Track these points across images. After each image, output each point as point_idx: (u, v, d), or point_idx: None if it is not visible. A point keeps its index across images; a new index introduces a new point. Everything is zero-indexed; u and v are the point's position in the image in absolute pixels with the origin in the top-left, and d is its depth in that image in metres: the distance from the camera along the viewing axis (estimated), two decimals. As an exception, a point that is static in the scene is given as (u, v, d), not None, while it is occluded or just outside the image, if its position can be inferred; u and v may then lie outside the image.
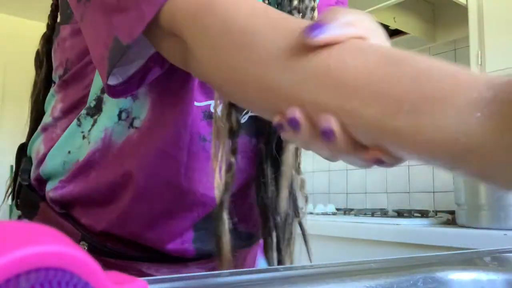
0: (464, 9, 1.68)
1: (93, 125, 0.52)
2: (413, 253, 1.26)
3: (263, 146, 0.55)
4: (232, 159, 0.48)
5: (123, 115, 0.51)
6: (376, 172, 2.17)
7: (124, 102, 0.51)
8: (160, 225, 0.52)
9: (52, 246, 0.15)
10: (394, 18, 1.80)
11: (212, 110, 0.52)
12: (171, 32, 0.39)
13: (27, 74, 0.64)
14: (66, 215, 0.54)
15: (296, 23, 0.32)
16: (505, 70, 1.59)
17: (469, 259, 0.48)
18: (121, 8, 0.40)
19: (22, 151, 0.62)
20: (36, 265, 0.15)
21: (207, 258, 0.56)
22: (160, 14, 0.38)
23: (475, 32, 1.65)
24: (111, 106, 0.51)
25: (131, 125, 0.51)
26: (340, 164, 2.35)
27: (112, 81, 0.43)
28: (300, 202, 0.57)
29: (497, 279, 0.38)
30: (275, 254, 0.56)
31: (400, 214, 1.68)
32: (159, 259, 0.54)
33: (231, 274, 0.37)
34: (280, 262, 0.56)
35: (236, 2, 0.36)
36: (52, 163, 0.54)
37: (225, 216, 0.48)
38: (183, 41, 0.38)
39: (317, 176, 2.44)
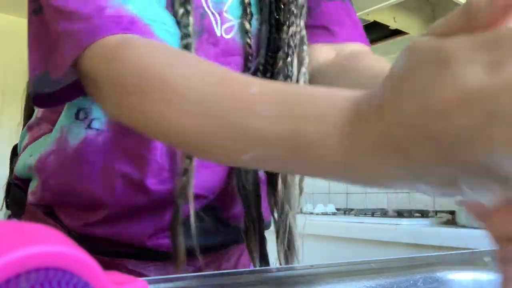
0: (464, 9, 1.68)
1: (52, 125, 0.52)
2: (413, 253, 1.26)
3: None
4: (189, 164, 0.46)
5: (81, 115, 0.50)
6: (376, 172, 2.17)
7: (83, 101, 0.49)
8: (142, 222, 0.51)
9: (52, 246, 0.15)
10: (394, 18, 1.80)
11: None
12: (90, 77, 0.39)
13: (27, 74, 0.64)
14: (50, 213, 0.53)
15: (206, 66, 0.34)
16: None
17: (469, 259, 0.47)
18: (53, 41, 0.41)
19: (14, 151, 0.62)
20: (36, 265, 0.15)
21: (194, 255, 0.55)
22: (80, 59, 0.38)
23: (475, 32, 1.65)
24: (71, 104, 0.50)
25: (88, 126, 0.49)
26: (340, 164, 2.35)
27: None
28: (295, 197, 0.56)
29: (497, 279, 0.38)
30: (258, 249, 0.54)
31: (400, 214, 1.68)
32: (145, 256, 0.53)
33: (231, 274, 0.37)
34: (264, 258, 0.55)
35: (149, 51, 0.36)
36: (19, 164, 0.55)
37: (180, 218, 0.47)
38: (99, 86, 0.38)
39: (317, 176, 2.44)
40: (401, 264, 0.42)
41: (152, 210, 0.51)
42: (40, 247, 0.15)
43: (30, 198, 0.54)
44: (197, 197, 0.51)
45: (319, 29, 0.57)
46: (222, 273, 0.37)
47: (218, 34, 0.51)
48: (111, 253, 0.52)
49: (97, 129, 0.49)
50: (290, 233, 0.55)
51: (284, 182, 0.53)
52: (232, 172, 0.54)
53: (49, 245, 0.15)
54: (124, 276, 0.21)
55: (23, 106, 0.63)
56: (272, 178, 0.54)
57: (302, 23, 0.54)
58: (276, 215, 0.54)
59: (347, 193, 2.29)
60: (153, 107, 0.33)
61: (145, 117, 0.34)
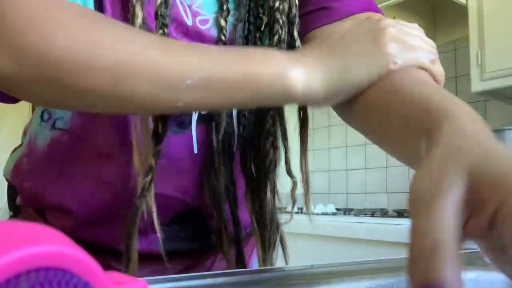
0: (464, 9, 1.68)
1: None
2: (413, 253, 1.25)
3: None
4: (153, 163, 0.45)
5: (45, 116, 0.49)
6: (376, 172, 2.17)
7: None
8: (117, 226, 0.49)
9: (52, 246, 0.15)
10: (394, 18, 1.80)
11: None
12: None
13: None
14: (41, 213, 0.53)
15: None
16: (505, 70, 1.59)
17: (469, 259, 0.47)
18: None
19: None
20: (36, 265, 0.15)
21: (178, 255, 0.53)
22: None
23: (475, 32, 1.65)
24: (38, 107, 0.50)
25: (53, 126, 0.49)
26: (340, 164, 2.35)
27: None
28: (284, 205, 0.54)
29: (497, 279, 0.38)
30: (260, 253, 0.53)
31: (400, 214, 1.68)
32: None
33: (231, 274, 0.37)
34: (240, 261, 0.53)
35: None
36: (5, 167, 0.55)
37: (137, 223, 0.45)
38: None
39: (317, 176, 2.44)
40: (401, 264, 0.42)
41: (125, 213, 0.48)
42: (40, 247, 0.15)
43: (17, 199, 0.54)
44: (173, 199, 0.49)
45: (317, 12, 0.52)
46: (222, 273, 0.37)
47: (190, 23, 0.49)
48: (91, 252, 0.50)
49: (61, 129, 0.48)
50: (282, 240, 0.55)
51: (272, 191, 0.52)
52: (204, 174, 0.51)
53: (49, 245, 0.15)
54: (124, 276, 0.21)
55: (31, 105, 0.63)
56: (252, 183, 0.52)
57: (295, 33, 0.51)
58: (255, 221, 0.52)
59: (347, 193, 2.29)
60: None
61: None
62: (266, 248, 0.53)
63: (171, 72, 0.35)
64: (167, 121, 0.46)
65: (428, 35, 0.42)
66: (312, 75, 0.37)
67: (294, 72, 0.37)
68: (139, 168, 0.45)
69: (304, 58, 0.38)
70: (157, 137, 0.45)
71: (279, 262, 0.57)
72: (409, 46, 0.39)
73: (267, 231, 0.52)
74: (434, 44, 0.42)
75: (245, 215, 0.54)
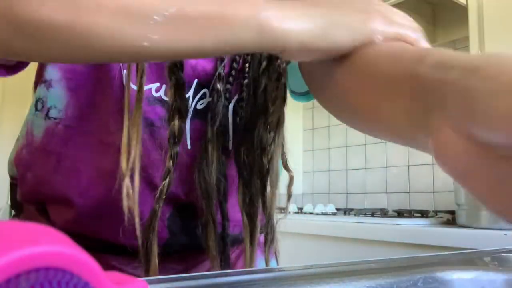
0: (464, 9, 1.68)
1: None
2: (413, 253, 1.26)
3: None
4: (170, 165, 0.45)
5: (39, 105, 0.49)
6: (376, 172, 2.17)
7: (40, 91, 0.49)
8: (115, 220, 0.48)
9: (52, 246, 0.15)
10: (394, 18, 1.80)
11: (154, 94, 0.48)
12: None
13: (27, 73, 0.64)
14: (43, 210, 0.52)
15: None
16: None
17: (469, 259, 0.47)
18: None
19: None
20: (36, 265, 0.15)
21: (177, 254, 0.53)
22: None
23: (475, 32, 1.65)
24: (34, 97, 0.50)
25: (46, 116, 0.49)
26: (340, 164, 2.35)
27: None
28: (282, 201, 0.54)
29: (497, 279, 0.38)
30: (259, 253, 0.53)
31: (400, 214, 1.68)
32: (128, 253, 0.50)
33: (231, 274, 0.37)
34: (225, 259, 0.53)
35: None
36: (8, 161, 0.55)
37: (156, 227, 0.45)
38: None
39: (317, 176, 2.44)
40: (401, 264, 0.42)
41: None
42: (40, 247, 0.15)
43: (18, 196, 0.54)
44: (169, 194, 0.49)
45: None
46: (222, 273, 0.37)
47: None
48: (92, 248, 0.51)
49: (55, 118, 0.48)
50: (274, 239, 0.54)
51: (271, 186, 0.51)
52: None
53: (49, 245, 0.15)
54: (124, 276, 0.21)
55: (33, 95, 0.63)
56: (245, 178, 0.52)
57: None
58: (246, 217, 0.52)
59: (347, 193, 2.29)
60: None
61: None
62: (254, 246, 0.53)
63: (139, 4, 0.32)
64: (185, 121, 0.46)
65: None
66: (290, 22, 0.35)
67: (271, 14, 0.35)
68: (125, 168, 0.43)
69: (285, 5, 0.36)
70: (175, 138, 0.45)
71: (281, 262, 0.57)
72: (395, 23, 0.38)
73: (256, 228, 0.52)
74: (420, 28, 0.41)
75: (239, 214, 0.54)
